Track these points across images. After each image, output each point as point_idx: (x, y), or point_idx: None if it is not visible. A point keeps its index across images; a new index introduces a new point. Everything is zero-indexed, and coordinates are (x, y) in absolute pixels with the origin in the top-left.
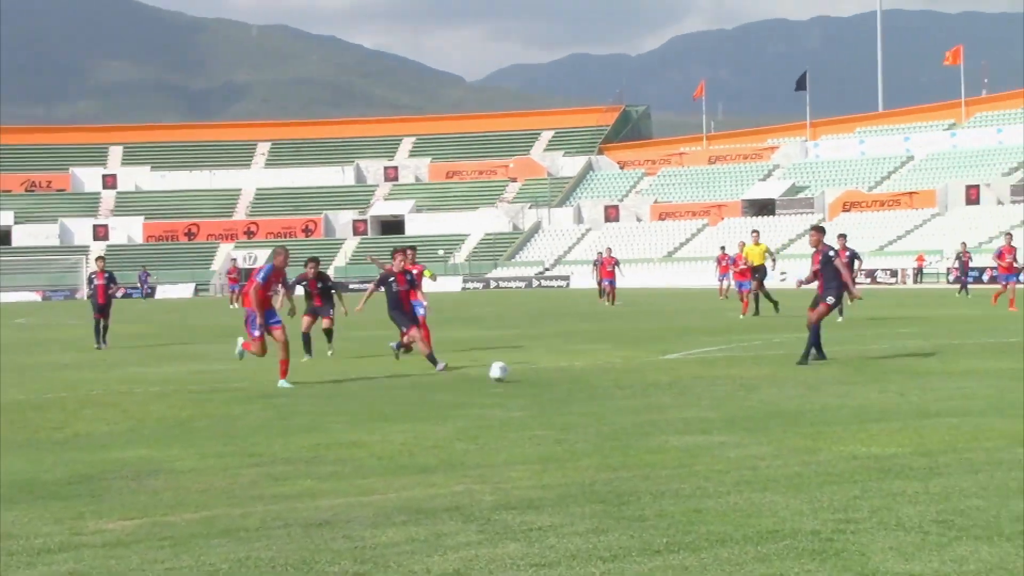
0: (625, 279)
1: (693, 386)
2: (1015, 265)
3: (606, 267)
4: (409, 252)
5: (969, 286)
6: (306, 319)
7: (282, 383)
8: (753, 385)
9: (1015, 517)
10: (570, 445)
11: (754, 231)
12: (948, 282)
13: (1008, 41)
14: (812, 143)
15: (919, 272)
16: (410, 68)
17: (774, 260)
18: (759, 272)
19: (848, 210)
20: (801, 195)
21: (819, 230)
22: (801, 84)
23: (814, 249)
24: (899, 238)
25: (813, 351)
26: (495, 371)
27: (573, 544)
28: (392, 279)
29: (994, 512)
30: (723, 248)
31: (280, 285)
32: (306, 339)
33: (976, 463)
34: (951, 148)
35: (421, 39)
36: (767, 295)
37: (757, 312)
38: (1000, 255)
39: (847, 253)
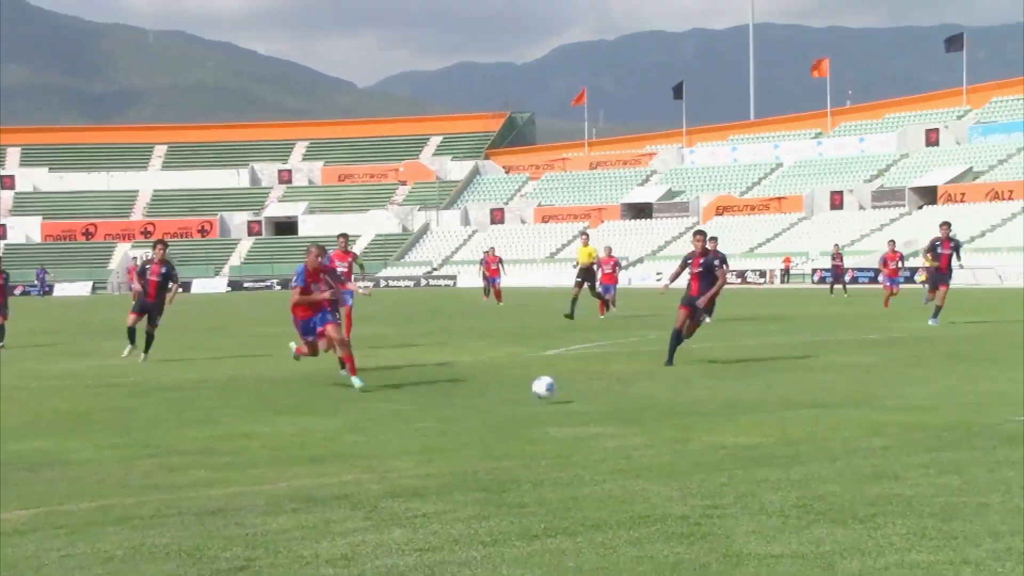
0: (509, 278)
1: (572, 380)
2: (898, 269)
3: (490, 266)
4: (340, 240)
5: (847, 286)
6: (132, 316)
7: (355, 380)
8: (628, 379)
9: (868, 501)
10: (454, 436)
11: (583, 233)
12: (813, 282)
13: (871, 54)
14: (688, 150)
15: (786, 273)
16: (303, 74)
17: (599, 263)
18: (586, 274)
19: (721, 214)
20: (677, 199)
21: (712, 240)
22: (678, 93)
23: (697, 253)
24: (768, 241)
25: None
26: (542, 389)
27: (456, 530)
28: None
29: (849, 497)
30: (608, 250)
31: (323, 282)
32: (131, 331)
33: (834, 451)
34: (817, 156)
35: (314, 45)
36: (595, 293)
37: (571, 315)
38: (884, 262)
39: (702, 262)
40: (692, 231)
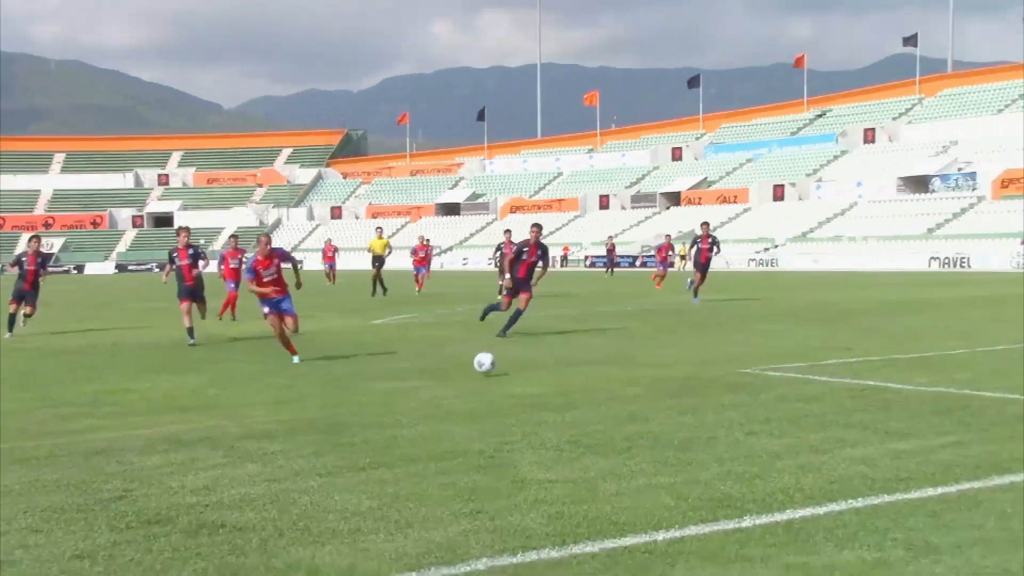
0: (344, 263)
1: (394, 344)
2: (668, 257)
3: (327, 253)
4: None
5: (614, 270)
6: (12, 304)
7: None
8: (440, 343)
9: (625, 437)
10: (298, 390)
11: (378, 228)
12: (586, 266)
13: (631, 89)
14: (488, 161)
15: (565, 259)
16: (179, 97)
17: (391, 251)
18: (379, 261)
19: (514, 212)
20: (480, 200)
21: (539, 228)
22: (481, 117)
23: (532, 243)
24: (551, 233)
25: (491, 321)
26: (484, 362)
27: (298, 464)
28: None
29: (610, 434)
30: (421, 239)
31: (276, 267)
32: (11, 319)
33: (599, 399)
34: (589, 167)
35: (189, 74)
36: (381, 281)
37: (374, 293)
38: (660, 250)
39: (538, 251)
40: (531, 224)
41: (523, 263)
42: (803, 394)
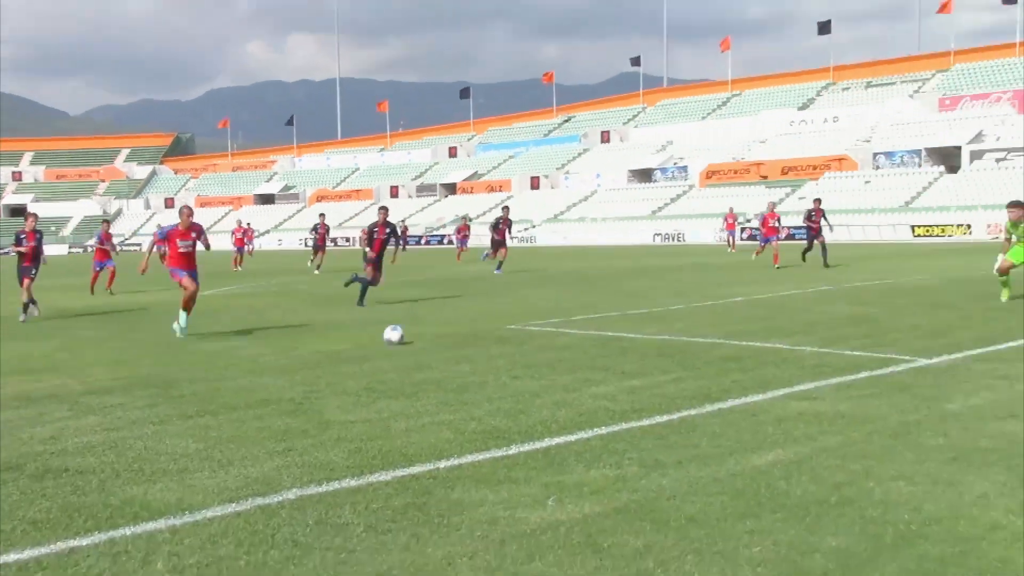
0: None
1: (220, 311)
2: (507, 235)
3: (237, 235)
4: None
5: (408, 248)
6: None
7: (183, 319)
8: (261, 310)
9: (413, 383)
10: (136, 351)
11: (186, 206)
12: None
13: (414, 98)
14: (298, 159)
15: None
16: (30, 105)
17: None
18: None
19: (320, 201)
20: (291, 191)
21: (385, 210)
22: (290, 122)
23: (380, 223)
24: (351, 218)
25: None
26: (393, 335)
27: (134, 415)
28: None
29: (401, 381)
30: (239, 222)
31: (193, 241)
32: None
33: (390, 352)
34: (382, 163)
35: (39, 84)
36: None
37: None
38: (458, 231)
39: (387, 230)
40: (378, 207)
41: (376, 240)
42: (557, 344)
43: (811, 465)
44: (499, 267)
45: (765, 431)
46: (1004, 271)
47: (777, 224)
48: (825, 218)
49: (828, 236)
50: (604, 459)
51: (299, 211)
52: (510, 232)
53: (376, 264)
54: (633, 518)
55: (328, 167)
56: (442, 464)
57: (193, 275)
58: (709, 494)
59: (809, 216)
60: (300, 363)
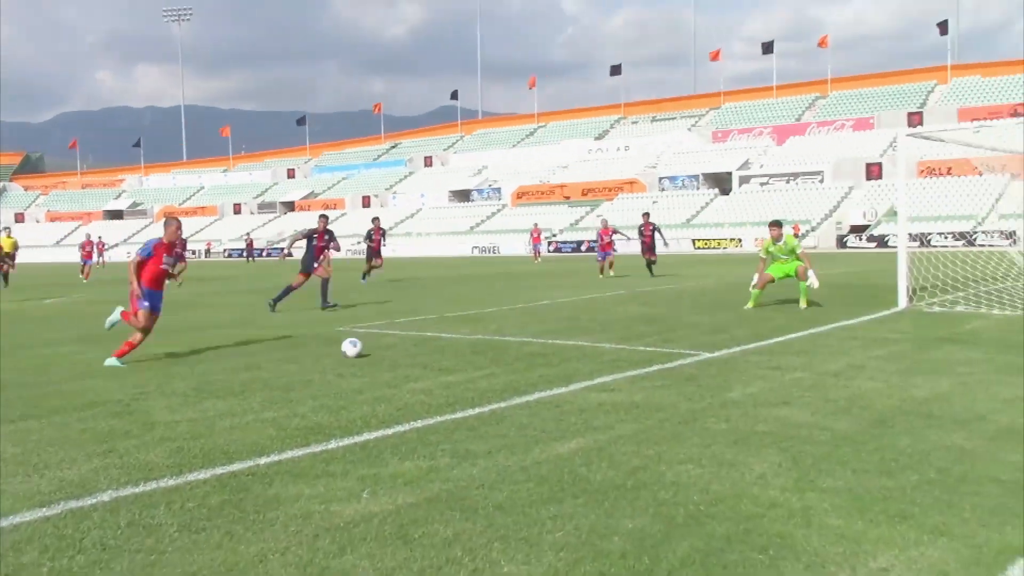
0: (22, 259)
1: (58, 318)
2: (382, 245)
3: (86, 248)
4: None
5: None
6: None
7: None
8: (101, 316)
9: (241, 382)
10: None
11: (5, 227)
12: (225, 257)
13: (257, 125)
14: (145, 178)
15: (207, 252)
16: None
17: (17, 249)
18: (10, 257)
19: (168, 215)
20: (139, 208)
21: (325, 218)
22: (138, 144)
23: (320, 230)
24: (198, 232)
25: (278, 302)
26: (350, 349)
27: None
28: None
29: (229, 381)
30: (88, 236)
31: (175, 258)
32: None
33: (221, 354)
34: (225, 183)
35: None
36: (6, 275)
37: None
38: (372, 239)
39: (326, 236)
40: (318, 215)
41: (315, 247)
42: (380, 344)
43: (609, 452)
44: (364, 276)
45: (568, 421)
46: (763, 286)
47: (611, 239)
48: (658, 231)
49: (661, 249)
50: (419, 451)
51: (146, 226)
52: (384, 241)
53: (309, 271)
54: (444, 508)
55: (174, 186)
56: (262, 460)
57: (157, 308)
58: (516, 482)
59: (640, 231)
60: (131, 366)
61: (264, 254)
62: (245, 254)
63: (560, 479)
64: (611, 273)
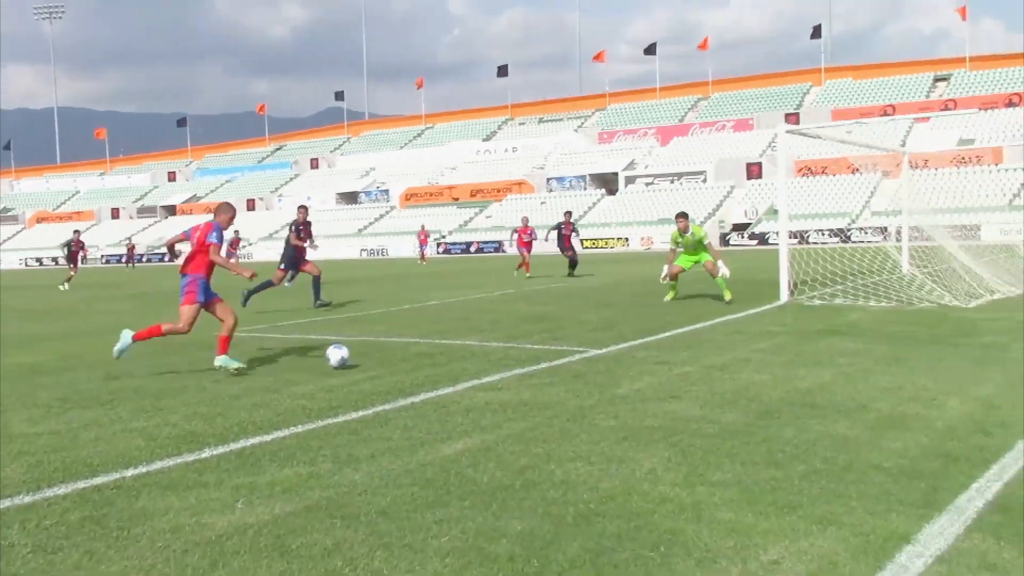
0: None
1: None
2: (305, 244)
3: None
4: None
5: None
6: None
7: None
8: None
9: (110, 392)
10: None
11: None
12: (103, 263)
13: (135, 127)
14: (16, 182)
15: (84, 257)
16: None
17: None
18: None
19: (40, 222)
20: (10, 214)
21: (305, 209)
22: (8, 147)
23: (301, 222)
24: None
25: (251, 297)
26: (335, 358)
27: None
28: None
29: (97, 391)
30: None
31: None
32: None
33: (93, 363)
34: (102, 186)
35: None
36: None
37: None
38: (299, 236)
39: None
40: (297, 206)
41: (301, 239)
42: (262, 348)
43: (497, 452)
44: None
45: (455, 421)
46: (674, 277)
47: (529, 238)
48: (575, 230)
49: (578, 248)
50: (298, 457)
51: (18, 232)
52: (312, 242)
53: (294, 264)
54: (324, 516)
55: (48, 190)
56: (129, 472)
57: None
58: (400, 486)
59: (559, 229)
60: None
61: (144, 259)
62: (126, 259)
63: (446, 481)
64: (527, 274)
